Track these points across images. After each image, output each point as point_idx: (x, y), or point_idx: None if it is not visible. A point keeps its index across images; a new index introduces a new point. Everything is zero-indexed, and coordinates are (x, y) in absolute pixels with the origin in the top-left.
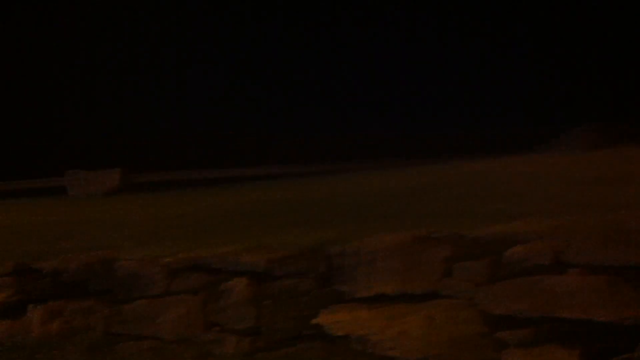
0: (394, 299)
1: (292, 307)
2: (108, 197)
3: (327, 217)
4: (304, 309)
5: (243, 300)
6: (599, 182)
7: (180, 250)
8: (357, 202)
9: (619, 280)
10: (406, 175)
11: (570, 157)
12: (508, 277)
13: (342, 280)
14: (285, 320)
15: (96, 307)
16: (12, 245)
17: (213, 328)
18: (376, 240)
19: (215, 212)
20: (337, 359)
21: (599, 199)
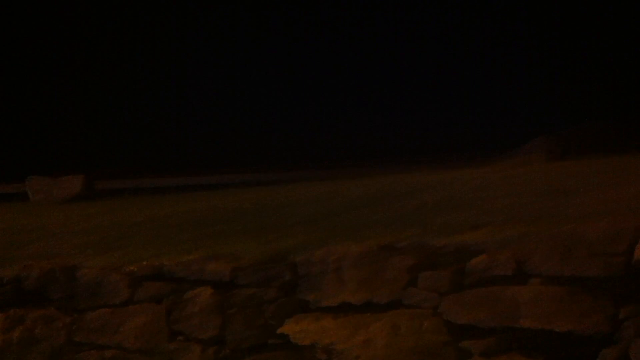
0: (359, 308)
1: (257, 316)
2: (70, 203)
3: (290, 225)
4: (269, 318)
5: (207, 309)
6: (560, 193)
7: (144, 258)
8: (318, 210)
9: (579, 290)
10: (366, 183)
11: (532, 167)
12: (471, 286)
13: (307, 289)
14: (251, 329)
15: (58, 315)
16: None
17: (177, 337)
18: (342, 249)
19: (178, 219)
20: None
21: (560, 210)
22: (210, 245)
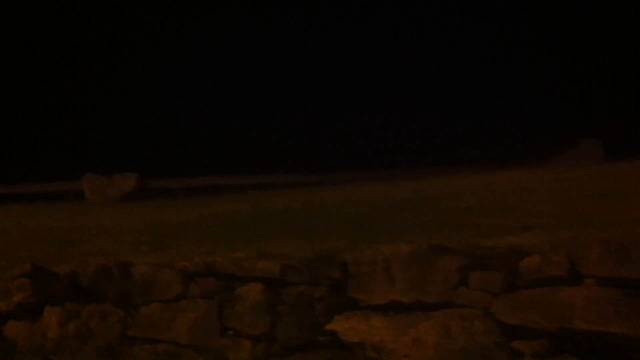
0: (409, 308)
1: (306, 314)
2: (124, 202)
3: (337, 225)
4: (319, 315)
5: (258, 306)
6: (610, 196)
7: (196, 255)
8: (365, 211)
9: (636, 293)
10: (412, 185)
11: (580, 170)
12: (523, 287)
13: (357, 288)
14: (300, 327)
15: (112, 310)
16: (29, 248)
17: (228, 333)
18: (391, 249)
19: (228, 218)
20: None
21: (612, 212)
22: (260, 243)
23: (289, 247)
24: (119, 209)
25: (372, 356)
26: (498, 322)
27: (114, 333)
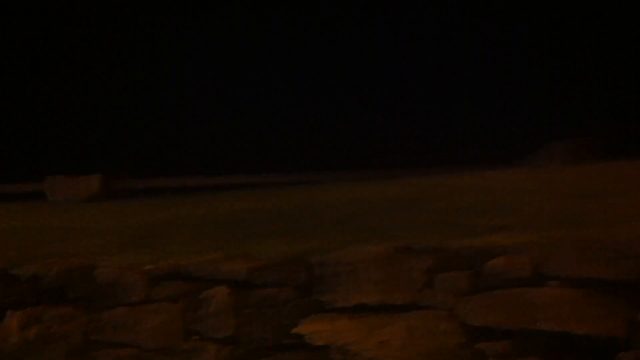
0: (375, 310)
1: (272, 317)
2: (88, 203)
3: (307, 227)
4: (285, 318)
5: (223, 309)
6: (582, 197)
7: (161, 257)
8: (338, 212)
9: (597, 293)
10: (387, 186)
11: (551, 172)
12: (488, 289)
13: (322, 290)
14: (266, 330)
15: (75, 313)
16: None
17: (192, 337)
18: (358, 251)
19: (195, 220)
20: None
21: (582, 214)
22: (230, 246)
23: (259, 249)
24: (82, 210)
25: (338, 359)
26: (462, 324)
27: (76, 337)
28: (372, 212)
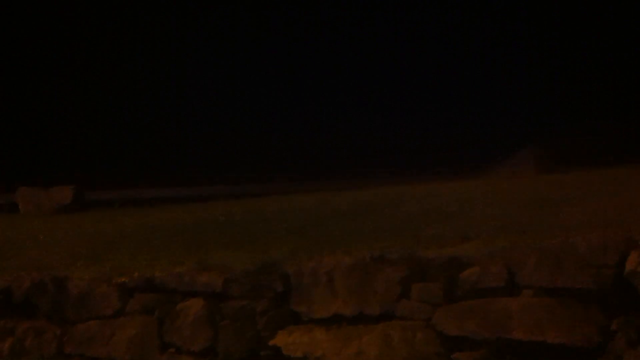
0: (352, 320)
1: (249, 328)
2: (61, 214)
3: (277, 235)
4: (261, 329)
5: (199, 321)
6: (551, 204)
7: (135, 269)
8: (308, 219)
9: (571, 301)
10: (354, 193)
11: (523, 178)
12: (463, 298)
13: (299, 300)
14: (242, 341)
15: (48, 326)
16: None
17: (168, 349)
18: (333, 260)
19: (169, 230)
20: None
21: (551, 221)
22: (201, 255)
23: (229, 258)
24: (55, 222)
25: None
26: (438, 333)
27: (49, 350)
28: (330, 221)
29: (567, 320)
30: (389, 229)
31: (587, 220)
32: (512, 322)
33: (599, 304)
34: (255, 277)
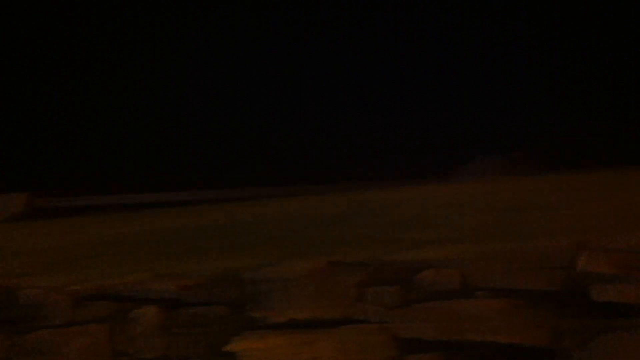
0: (307, 325)
1: (203, 335)
2: (11, 222)
3: (242, 244)
4: (216, 336)
5: (152, 329)
6: (502, 210)
7: (88, 278)
8: (272, 228)
9: (522, 303)
10: (319, 201)
11: (485, 184)
12: (418, 301)
13: (255, 307)
14: (197, 349)
15: None
16: None
17: (121, 358)
18: (290, 267)
19: (125, 238)
20: None
21: (503, 227)
22: (160, 264)
23: (191, 267)
24: (5, 230)
25: None
26: (394, 337)
27: None
28: (305, 228)
29: (519, 322)
30: (354, 237)
31: (545, 226)
32: (466, 324)
33: (551, 305)
34: (211, 284)
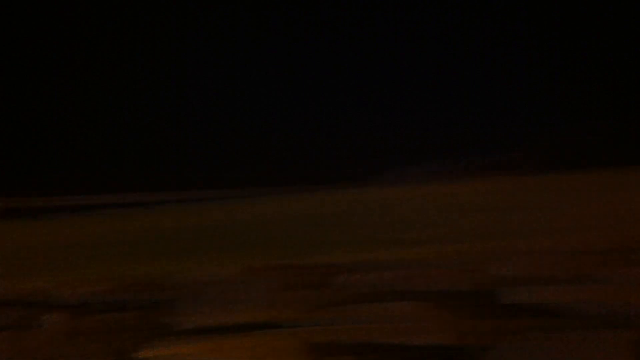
0: (219, 331)
1: (113, 341)
2: None
3: (164, 250)
4: (126, 343)
5: (60, 336)
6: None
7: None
8: (195, 235)
9: (433, 305)
10: (253, 206)
11: (394, 193)
12: (333, 305)
13: (168, 313)
14: (106, 355)
15: None
16: None
17: None
18: (205, 272)
19: (42, 245)
20: None
21: (414, 233)
22: (81, 269)
23: (109, 272)
24: None
25: None
26: (308, 341)
27: None
28: (230, 232)
29: (430, 324)
30: (274, 240)
31: (451, 233)
32: (378, 326)
33: (460, 307)
34: (122, 290)
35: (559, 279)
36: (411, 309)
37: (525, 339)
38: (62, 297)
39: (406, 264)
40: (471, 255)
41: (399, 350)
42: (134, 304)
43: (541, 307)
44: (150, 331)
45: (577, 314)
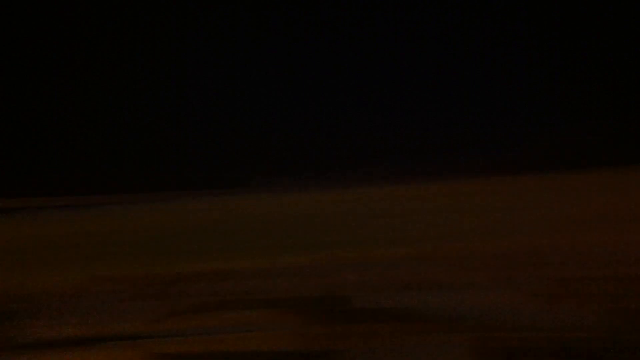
0: (56, 345)
1: None
2: None
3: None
4: None
5: None
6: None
7: None
8: (48, 244)
9: (282, 312)
10: (95, 216)
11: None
12: (180, 315)
13: (9, 326)
14: None
15: None
16: None
17: None
18: (46, 284)
19: None
20: None
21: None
22: None
23: None
24: None
25: None
26: (150, 353)
27: None
28: (79, 242)
29: (278, 330)
30: (119, 250)
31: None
32: (225, 335)
33: (309, 314)
34: None
35: (422, 285)
36: (261, 316)
37: (375, 343)
38: None
39: (263, 272)
40: (331, 263)
41: (248, 358)
42: None
43: (393, 311)
44: None
45: (429, 318)
